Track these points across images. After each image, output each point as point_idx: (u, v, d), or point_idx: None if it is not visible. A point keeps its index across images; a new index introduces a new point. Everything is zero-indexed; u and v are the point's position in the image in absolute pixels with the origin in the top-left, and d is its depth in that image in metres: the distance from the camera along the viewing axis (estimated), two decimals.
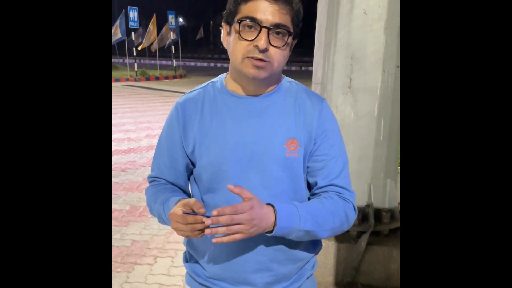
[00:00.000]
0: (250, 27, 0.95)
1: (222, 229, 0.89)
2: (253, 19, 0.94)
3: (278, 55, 0.97)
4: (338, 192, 1.06)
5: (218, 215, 0.88)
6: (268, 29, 0.94)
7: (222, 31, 1.06)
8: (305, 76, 11.60)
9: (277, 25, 0.94)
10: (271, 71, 0.99)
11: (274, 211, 0.95)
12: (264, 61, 0.96)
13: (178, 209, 0.94)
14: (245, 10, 0.95)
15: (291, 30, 0.98)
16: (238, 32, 0.96)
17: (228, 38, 1.02)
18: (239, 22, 0.96)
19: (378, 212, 2.45)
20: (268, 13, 0.94)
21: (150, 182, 1.18)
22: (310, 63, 3.03)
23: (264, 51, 0.95)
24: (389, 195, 2.48)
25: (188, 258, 1.20)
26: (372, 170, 2.41)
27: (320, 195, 1.07)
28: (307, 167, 1.08)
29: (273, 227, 0.94)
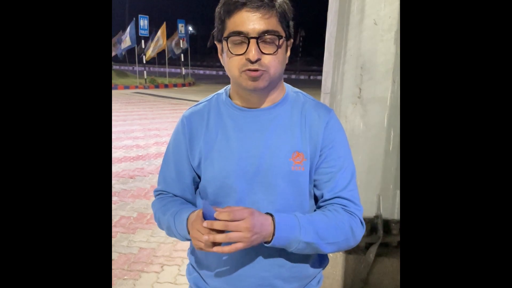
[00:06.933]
0: (239, 41, 0.94)
1: (220, 237, 0.87)
2: (239, 33, 0.93)
3: (272, 61, 0.95)
4: (343, 205, 1.02)
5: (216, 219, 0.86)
6: (256, 38, 0.92)
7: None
8: (313, 85, 11.60)
9: (265, 32, 0.93)
10: (269, 79, 0.97)
11: (273, 220, 0.92)
12: (260, 70, 0.94)
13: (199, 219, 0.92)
14: (230, 25, 0.94)
15: (281, 33, 0.95)
16: (228, 48, 0.96)
17: (223, 56, 1.01)
18: (227, 39, 0.95)
19: (387, 223, 2.42)
20: (252, 22, 0.92)
21: (156, 195, 1.17)
22: (319, 72, 3.03)
23: (257, 61, 0.93)
24: (398, 206, 2.45)
25: (191, 271, 1.19)
26: (382, 181, 2.39)
27: (325, 208, 1.03)
28: (314, 180, 1.05)
29: (272, 237, 0.91)
